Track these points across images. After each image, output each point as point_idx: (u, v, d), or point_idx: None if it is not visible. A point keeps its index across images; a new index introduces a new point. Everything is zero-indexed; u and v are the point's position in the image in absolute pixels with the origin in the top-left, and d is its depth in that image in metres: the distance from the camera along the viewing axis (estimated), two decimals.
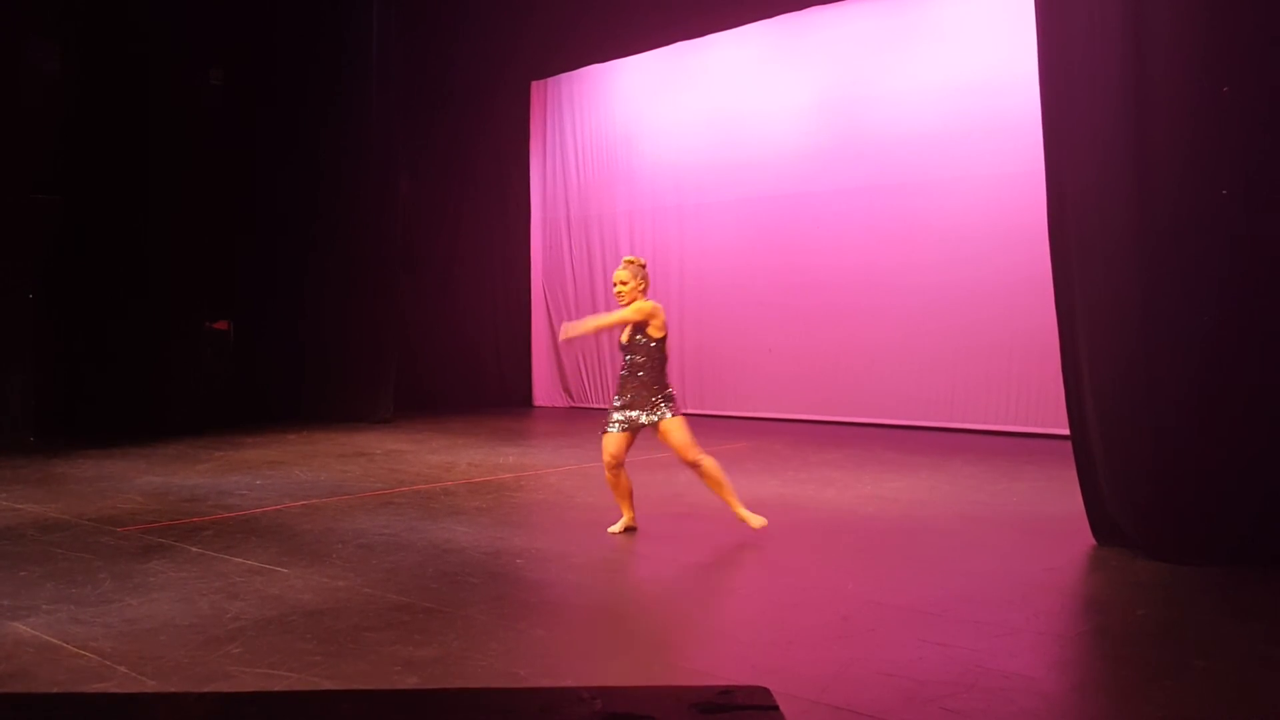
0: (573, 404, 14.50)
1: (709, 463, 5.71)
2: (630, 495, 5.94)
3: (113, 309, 10.99)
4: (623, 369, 5.87)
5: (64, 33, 10.91)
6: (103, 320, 10.96)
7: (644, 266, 5.93)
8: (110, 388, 10.91)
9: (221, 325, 12.41)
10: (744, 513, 5.67)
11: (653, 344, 5.78)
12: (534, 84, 14.84)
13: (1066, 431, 5.64)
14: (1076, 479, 5.50)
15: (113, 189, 11.06)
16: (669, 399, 5.76)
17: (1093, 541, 5.38)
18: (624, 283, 5.86)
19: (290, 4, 12.41)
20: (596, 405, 14.09)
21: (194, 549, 5.37)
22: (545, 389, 14.79)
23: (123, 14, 11.09)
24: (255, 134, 12.46)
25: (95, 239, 10.99)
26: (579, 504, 6.87)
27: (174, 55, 11.47)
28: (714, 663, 3.63)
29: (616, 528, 5.91)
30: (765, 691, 1.81)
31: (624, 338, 5.87)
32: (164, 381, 11.28)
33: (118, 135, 11.06)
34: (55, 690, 3.32)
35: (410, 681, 3.39)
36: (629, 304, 5.82)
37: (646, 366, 5.77)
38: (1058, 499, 6.49)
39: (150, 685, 3.35)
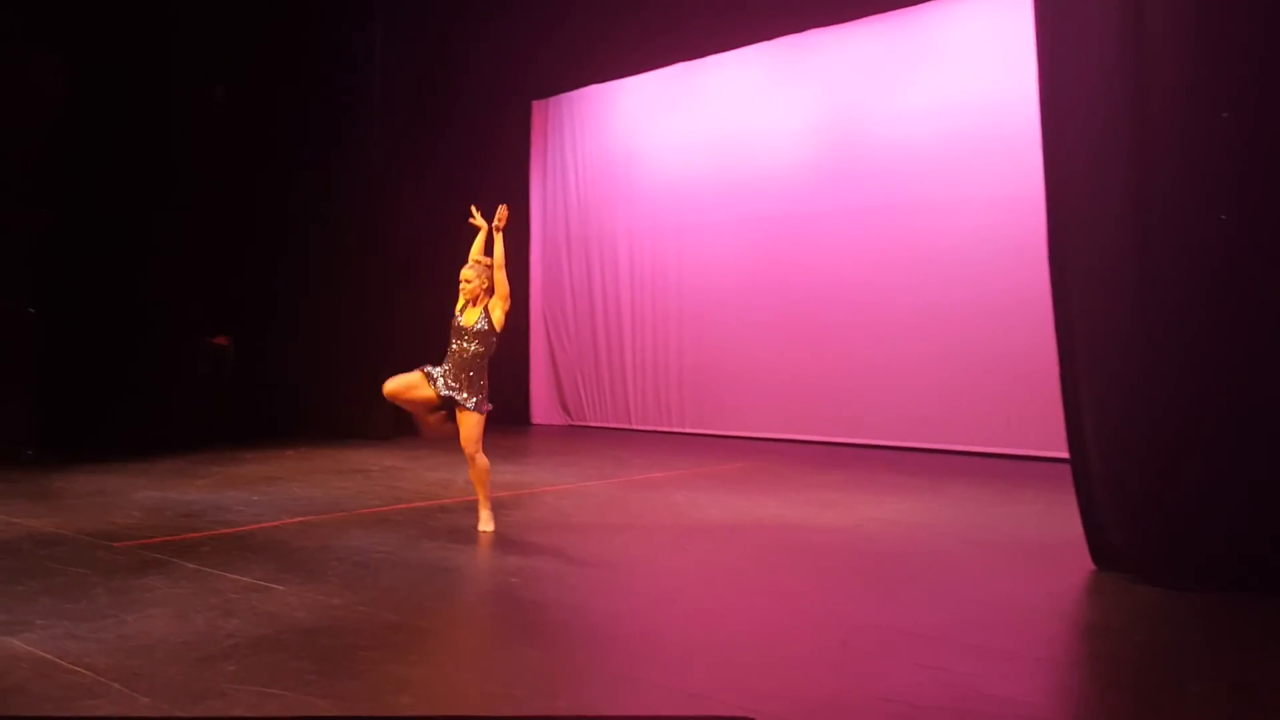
0: (571, 422, 14.49)
1: (483, 463, 6.25)
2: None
3: (113, 323, 11.00)
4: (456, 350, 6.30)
5: (67, 48, 10.95)
6: (103, 334, 10.97)
7: (491, 266, 6.38)
8: (110, 402, 10.90)
9: (222, 340, 12.40)
10: (484, 514, 6.33)
11: (495, 336, 6.31)
12: (535, 104, 14.90)
13: (1066, 454, 5.64)
14: (1076, 502, 5.50)
15: (115, 204, 11.09)
16: (479, 392, 6.21)
17: (1092, 566, 5.36)
18: (469, 281, 6.37)
19: (295, 23, 12.46)
20: (595, 424, 14.09)
21: (190, 565, 5.35)
22: (543, 407, 14.78)
23: (127, 30, 11.14)
24: (258, 151, 12.49)
25: (97, 254, 11.01)
26: (576, 523, 6.85)
27: (178, 72, 11.50)
28: (709, 686, 3.61)
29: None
30: None
31: (469, 323, 6.31)
32: (164, 396, 11.26)
33: (119, 150, 11.09)
34: (49, 708, 3.30)
35: (404, 702, 3.38)
36: (472, 299, 6.34)
37: (476, 356, 6.25)
38: (1057, 523, 6.48)
39: (144, 703, 3.33)
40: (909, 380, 10.94)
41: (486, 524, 6.35)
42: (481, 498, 6.41)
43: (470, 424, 6.18)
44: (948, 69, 10.81)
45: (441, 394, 6.21)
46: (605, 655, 4.05)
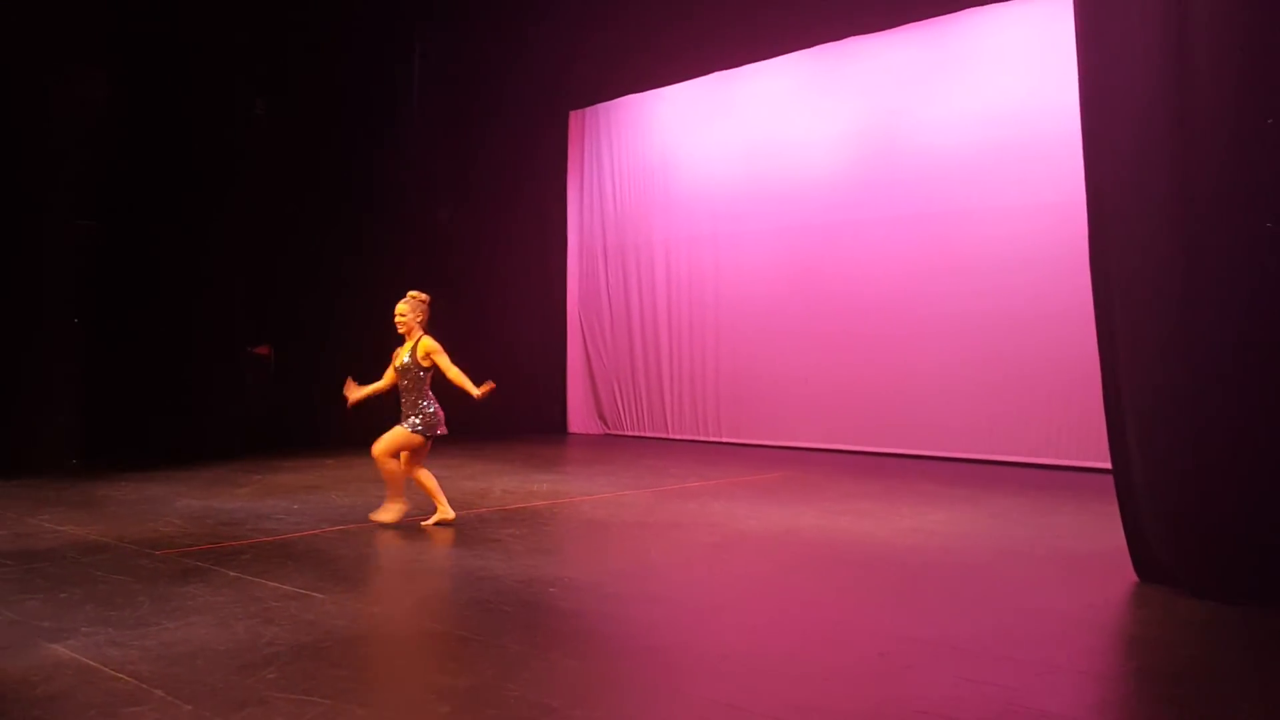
0: (608, 431, 14.51)
1: (388, 466, 6.70)
2: (402, 485, 6.93)
3: (156, 333, 11.16)
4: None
5: (111, 60, 11.15)
6: (146, 345, 11.12)
7: (425, 302, 6.82)
8: (152, 411, 11.05)
9: (263, 350, 12.53)
10: (388, 505, 6.80)
11: (421, 371, 6.71)
12: (572, 114, 14.97)
13: (1108, 465, 5.57)
14: (1118, 513, 5.42)
15: (157, 215, 11.25)
16: (420, 417, 6.68)
17: (1135, 578, 5.29)
18: (403, 315, 6.74)
19: (334, 34, 12.60)
20: (631, 433, 14.10)
21: (231, 573, 5.41)
22: (580, 416, 14.81)
23: (169, 43, 11.32)
24: (297, 162, 12.63)
25: (139, 265, 11.17)
26: (613, 533, 6.85)
27: (219, 84, 11.66)
28: (746, 698, 3.59)
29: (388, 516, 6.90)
30: None
31: (399, 362, 6.79)
32: (206, 405, 11.40)
33: (162, 162, 11.26)
34: (92, 714, 3.34)
35: (443, 711, 3.39)
36: (407, 333, 6.77)
37: (410, 389, 6.71)
38: (1099, 534, 6.39)
39: (186, 710, 3.37)
40: (948, 390, 10.85)
41: (384, 515, 6.81)
42: (394, 491, 6.83)
43: (393, 434, 6.69)
44: (986, 77, 10.74)
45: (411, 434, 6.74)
46: (642, 666, 4.04)
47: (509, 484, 9.08)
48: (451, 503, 7.89)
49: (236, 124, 11.94)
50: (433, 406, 6.74)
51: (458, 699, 3.49)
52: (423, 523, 6.92)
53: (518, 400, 14.74)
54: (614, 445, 13.17)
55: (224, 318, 11.78)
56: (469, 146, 14.19)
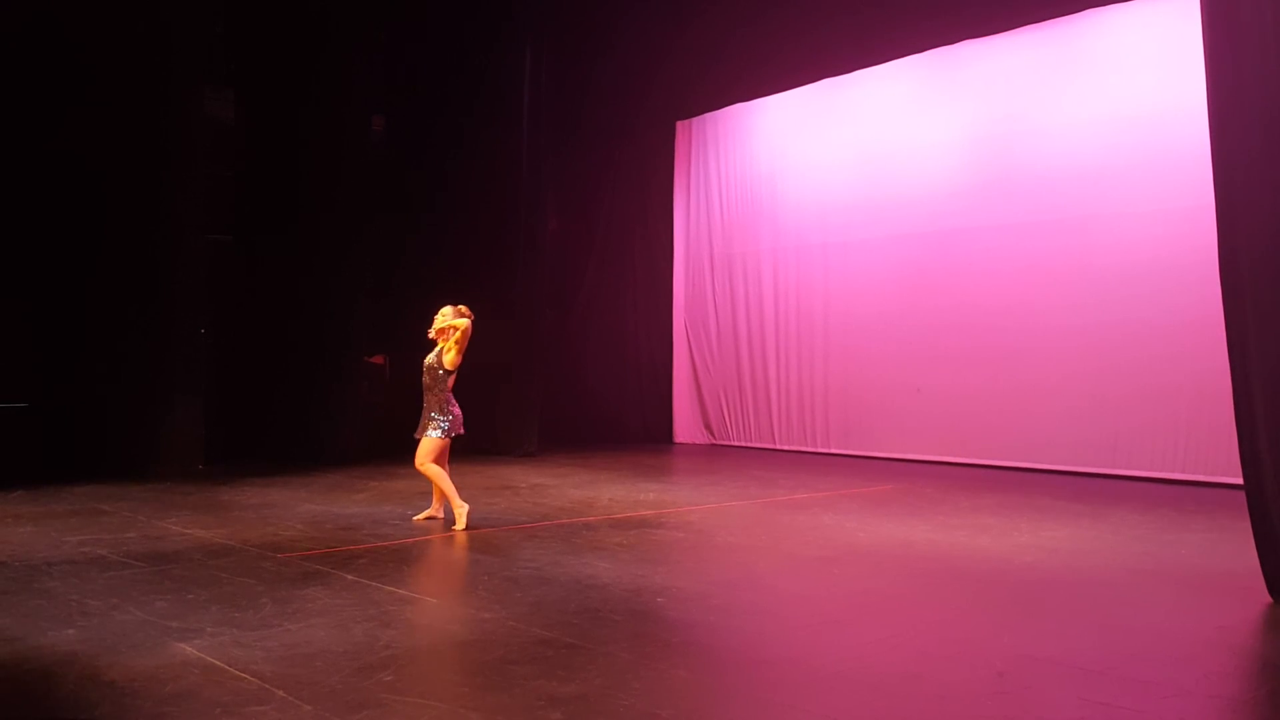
0: (714, 441, 14.46)
1: (432, 471, 7.10)
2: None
3: (278, 344, 11.55)
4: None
5: (239, 80, 11.59)
6: (268, 354, 11.52)
7: (456, 314, 7.18)
8: (274, 419, 11.42)
9: (378, 360, 12.87)
10: (457, 511, 7.10)
11: (441, 371, 7.11)
12: (679, 124, 14.99)
13: (1239, 480, 5.32)
14: (1250, 531, 5.17)
15: (279, 229, 11.66)
16: (443, 419, 7.08)
17: (1269, 599, 5.03)
18: (440, 330, 7.17)
19: (447, 52, 12.89)
20: (738, 443, 14.03)
21: (349, 576, 5.55)
22: (686, 426, 14.80)
23: (293, 63, 11.73)
24: (413, 177, 12.96)
25: (263, 277, 11.58)
26: (719, 543, 6.82)
27: (340, 103, 12.03)
28: (859, 716, 3.53)
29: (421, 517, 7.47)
30: None
31: (426, 361, 7.21)
32: (324, 413, 11.74)
33: (286, 179, 11.67)
34: (218, 712, 3.45)
35: (554, 717, 3.41)
36: (440, 337, 7.15)
37: (433, 388, 7.12)
38: (1230, 553, 6.11)
39: (306, 710, 3.46)
40: (1067, 401, 10.52)
41: (459, 522, 7.08)
42: (450, 496, 7.16)
43: (427, 444, 7.07)
44: (1106, 79, 10.39)
45: (416, 437, 7.17)
46: (751, 679, 4.00)
47: (616, 493, 9.13)
48: (559, 511, 7.98)
49: (356, 141, 12.29)
50: (454, 408, 7.15)
51: (568, 706, 3.51)
52: (415, 516, 7.45)
53: (624, 409, 14.85)
54: (720, 455, 13.13)
55: (342, 329, 12.13)
56: (577, 158, 14.35)
